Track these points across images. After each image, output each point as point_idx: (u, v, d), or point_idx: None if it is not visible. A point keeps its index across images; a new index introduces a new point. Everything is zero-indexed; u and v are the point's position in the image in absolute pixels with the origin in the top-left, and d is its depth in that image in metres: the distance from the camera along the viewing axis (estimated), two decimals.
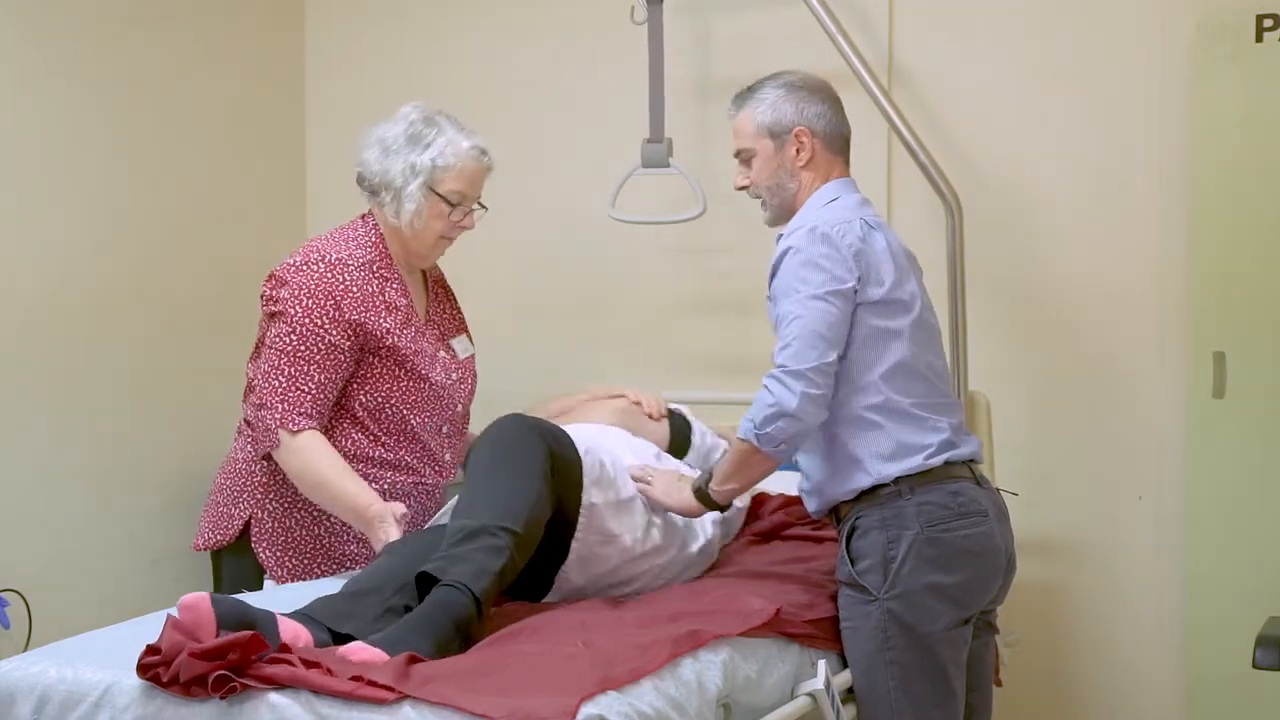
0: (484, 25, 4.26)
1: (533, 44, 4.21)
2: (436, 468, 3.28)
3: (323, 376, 3.08)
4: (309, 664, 2.23)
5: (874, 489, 2.82)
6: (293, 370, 3.07)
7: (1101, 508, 3.70)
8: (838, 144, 2.99)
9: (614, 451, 3.00)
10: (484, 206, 3.31)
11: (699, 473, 3.03)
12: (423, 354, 3.22)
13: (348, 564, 3.23)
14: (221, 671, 2.19)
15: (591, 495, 2.85)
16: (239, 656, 2.20)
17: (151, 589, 3.64)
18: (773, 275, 2.86)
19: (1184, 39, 3.54)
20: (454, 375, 3.30)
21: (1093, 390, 3.70)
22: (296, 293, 3.09)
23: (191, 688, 2.20)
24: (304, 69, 4.43)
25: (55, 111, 3.66)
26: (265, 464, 3.19)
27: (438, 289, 3.42)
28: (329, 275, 3.12)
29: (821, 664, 2.70)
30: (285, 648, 2.27)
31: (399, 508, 2.94)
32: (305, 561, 3.22)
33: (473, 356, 3.42)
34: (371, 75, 4.33)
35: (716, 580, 3.02)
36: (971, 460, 2.89)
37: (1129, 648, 3.69)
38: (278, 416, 3.06)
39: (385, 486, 3.16)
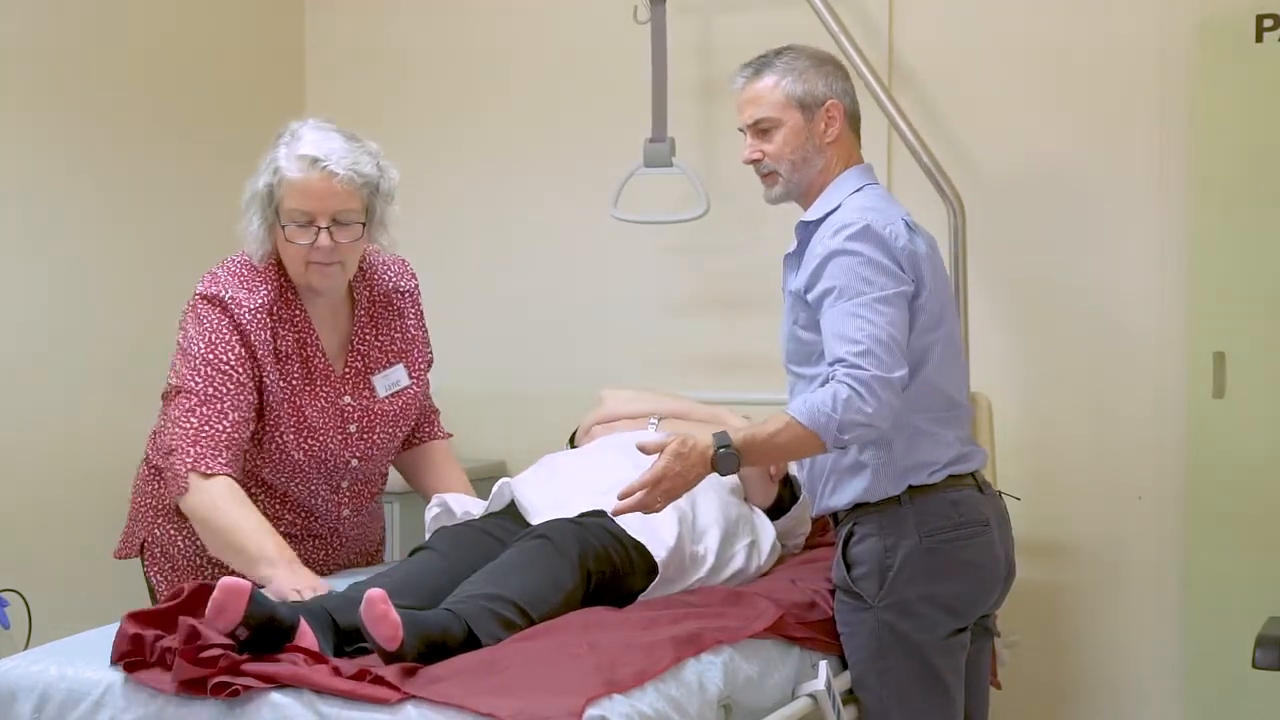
0: (486, 25, 4.26)
1: (535, 44, 4.21)
2: (329, 523, 3.04)
3: (237, 415, 2.81)
4: (313, 659, 2.23)
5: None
6: (205, 410, 2.79)
7: (1101, 508, 3.70)
8: (857, 125, 2.89)
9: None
10: (361, 224, 2.84)
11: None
12: (310, 414, 2.91)
13: None
14: (219, 679, 2.18)
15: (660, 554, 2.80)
16: (229, 664, 2.19)
17: None
18: (811, 276, 2.70)
19: (1184, 39, 3.54)
20: (352, 427, 2.96)
21: (1093, 390, 3.70)
22: (200, 328, 2.85)
23: (192, 687, 2.20)
24: (303, 69, 4.42)
25: (48, 114, 3.67)
26: (156, 487, 3.00)
27: (378, 310, 3.05)
28: (223, 316, 2.85)
29: (823, 665, 2.69)
30: (290, 647, 2.27)
31: (313, 582, 2.64)
32: None
33: (410, 388, 3.06)
34: (371, 77, 4.32)
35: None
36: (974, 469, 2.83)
37: (1129, 648, 3.69)
38: (189, 460, 2.76)
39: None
